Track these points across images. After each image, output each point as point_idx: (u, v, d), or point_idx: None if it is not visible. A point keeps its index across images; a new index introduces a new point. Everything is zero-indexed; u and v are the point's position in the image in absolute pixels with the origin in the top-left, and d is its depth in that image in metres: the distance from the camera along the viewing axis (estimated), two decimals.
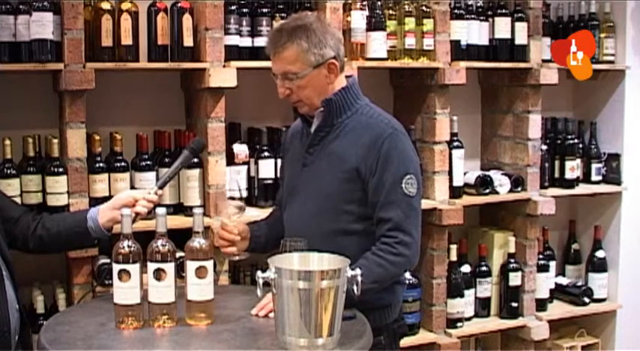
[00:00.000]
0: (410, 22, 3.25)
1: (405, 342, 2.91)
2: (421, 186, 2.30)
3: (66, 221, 2.39)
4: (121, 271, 2.03)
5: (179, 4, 2.87)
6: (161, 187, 2.38)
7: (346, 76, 2.36)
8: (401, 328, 2.45)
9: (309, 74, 2.23)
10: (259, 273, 1.91)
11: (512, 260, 3.59)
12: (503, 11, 3.51)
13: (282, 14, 3.05)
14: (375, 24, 3.17)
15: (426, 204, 3.20)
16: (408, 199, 2.22)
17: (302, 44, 2.20)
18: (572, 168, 3.75)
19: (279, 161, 2.90)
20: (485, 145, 3.84)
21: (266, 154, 3.08)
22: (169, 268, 2.04)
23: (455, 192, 3.40)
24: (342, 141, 2.28)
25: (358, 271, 1.92)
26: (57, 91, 2.81)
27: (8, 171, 2.66)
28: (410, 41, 3.25)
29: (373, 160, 2.22)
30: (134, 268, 2.03)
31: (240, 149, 3.05)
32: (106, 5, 2.77)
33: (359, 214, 2.26)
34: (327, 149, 2.30)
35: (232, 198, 2.49)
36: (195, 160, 2.84)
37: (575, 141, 3.80)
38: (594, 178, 3.87)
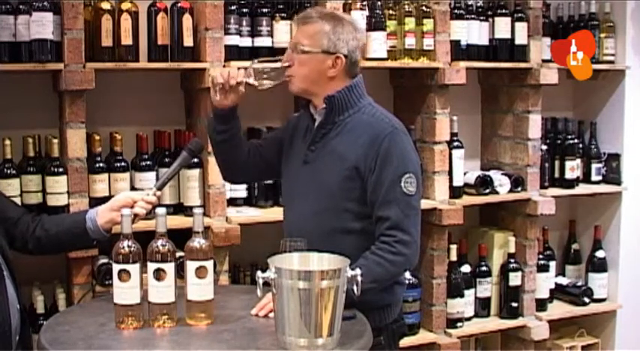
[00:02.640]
0: (410, 22, 3.25)
1: (405, 342, 2.91)
2: (421, 185, 2.30)
3: (64, 222, 2.39)
4: (121, 271, 2.03)
5: (179, 4, 2.87)
6: (159, 189, 2.38)
7: None
8: (400, 328, 2.45)
9: (314, 54, 2.26)
10: (259, 273, 1.91)
11: (512, 260, 3.59)
12: (503, 11, 3.51)
13: (282, 14, 3.06)
14: (375, 24, 3.17)
15: (425, 204, 3.20)
16: (407, 197, 2.22)
17: (325, 26, 2.27)
18: (572, 168, 3.75)
19: None
20: (485, 145, 3.84)
21: None
22: (169, 268, 2.04)
23: (455, 192, 3.40)
24: (342, 139, 2.29)
25: (358, 271, 1.92)
26: (57, 91, 2.81)
27: (8, 171, 2.66)
28: (410, 41, 3.25)
29: (372, 158, 2.22)
30: (134, 268, 2.03)
31: None
32: (106, 5, 2.77)
33: (359, 212, 2.26)
34: (329, 147, 2.31)
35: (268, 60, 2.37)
36: (195, 160, 2.84)
37: (575, 141, 3.80)
38: (594, 178, 3.87)
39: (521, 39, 3.52)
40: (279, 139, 2.51)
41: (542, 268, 3.70)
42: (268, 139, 2.58)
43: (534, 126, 3.58)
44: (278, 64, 2.32)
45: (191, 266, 2.05)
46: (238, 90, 2.33)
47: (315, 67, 2.28)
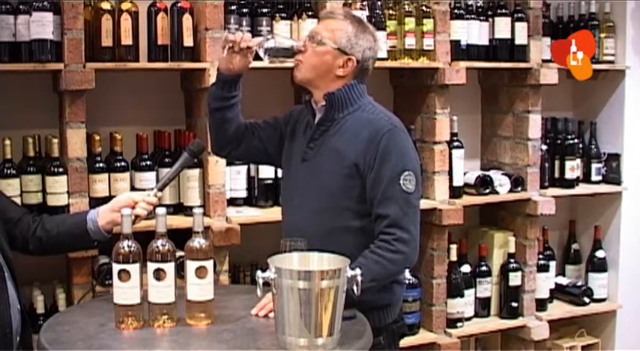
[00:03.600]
0: (410, 22, 3.25)
1: (405, 342, 2.91)
2: (420, 183, 2.30)
3: (65, 223, 2.39)
4: (121, 271, 2.03)
5: (179, 4, 2.87)
6: (160, 190, 2.38)
7: None
8: (400, 329, 2.45)
9: (329, 48, 2.28)
10: (259, 273, 1.91)
11: (512, 260, 3.59)
12: (503, 11, 3.51)
13: (282, 14, 3.06)
14: (375, 24, 3.15)
15: (425, 204, 3.21)
16: (406, 195, 2.21)
17: (348, 26, 2.30)
18: (572, 168, 3.75)
19: None
20: (485, 145, 3.84)
21: None
22: (169, 268, 2.04)
23: (455, 192, 3.40)
24: (342, 136, 2.29)
25: (358, 271, 1.92)
26: (57, 91, 2.81)
27: (8, 171, 2.66)
28: (410, 41, 3.25)
29: (371, 156, 2.22)
30: (134, 268, 2.03)
31: None
32: (106, 5, 2.77)
33: (358, 210, 2.26)
34: (328, 145, 2.31)
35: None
36: (195, 160, 2.84)
37: (575, 141, 3.80)
38: (594, 178, 3.87)
39: (521, 39, 3.51)
40: (281, 128, 2.49)
41: (542, 268, 3.70)
42: (269, 122, 2.54)
43: (534, 126, 3.58)
44: (291, 47, 2.33)
45: (191, 266, 2.05)
46: (247, 56, 2.33)
47: (326, 61, 2.28)
